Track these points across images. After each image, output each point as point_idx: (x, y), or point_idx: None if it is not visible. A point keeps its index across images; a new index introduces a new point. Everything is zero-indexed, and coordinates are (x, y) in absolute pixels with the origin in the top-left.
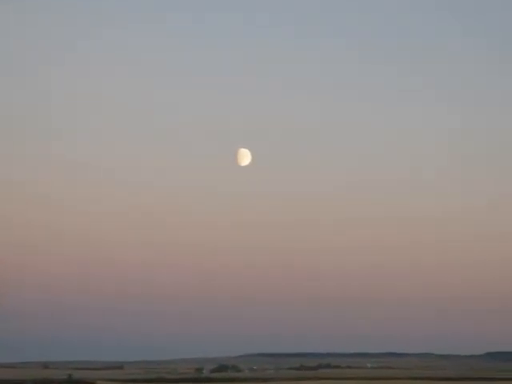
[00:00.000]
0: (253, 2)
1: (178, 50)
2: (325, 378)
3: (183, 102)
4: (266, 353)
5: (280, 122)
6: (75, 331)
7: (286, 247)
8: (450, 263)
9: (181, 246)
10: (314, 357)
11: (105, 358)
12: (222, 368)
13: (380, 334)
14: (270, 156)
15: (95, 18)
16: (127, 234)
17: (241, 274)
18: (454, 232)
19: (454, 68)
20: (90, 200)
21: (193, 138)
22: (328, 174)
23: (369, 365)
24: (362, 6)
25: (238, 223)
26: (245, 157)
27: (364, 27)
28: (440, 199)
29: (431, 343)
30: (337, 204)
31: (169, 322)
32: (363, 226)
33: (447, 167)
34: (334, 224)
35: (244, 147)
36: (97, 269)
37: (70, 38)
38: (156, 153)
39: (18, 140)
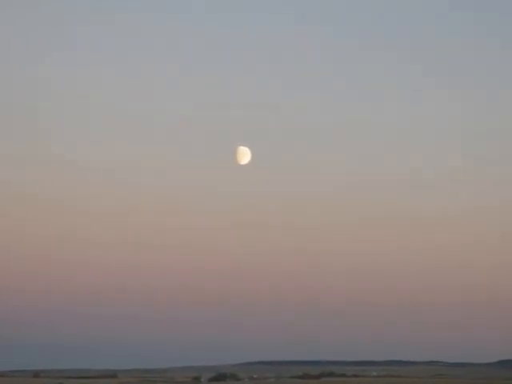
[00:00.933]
0: (253, 1)
1: (178, 48)
2: None
3: (183, 100)
4: (266, 360)
5: (280, 120)
6: (67, 338)
7: (286, 248)
8: (458, 266)
9: (179, 247)
10: (317, 365)
11: (97, 366)
12: (220, 376)
13: (386, 340)
14: (270, 154)
15: (96, 18)
16: (124, 235)
17: (240, 277)
18: (465, 234)
19: (465, 66)
20: (89, 200)
21: (192, 135)
22: (329, 174)
23: (374, 373)
24: (364, 5)
25: (239, 223)
26: (244, 155)
27: (366, 26)
28: (451, 199)
29: (440, 351)
30: (339, 204)
31: (165, 327)
32: (367, 226)
33: (457, 167)
34: (336, 225)
35: (243, 145)
36: (91, 271)
37: (69, 37)
38: (155, 152)
39: (18, 140)
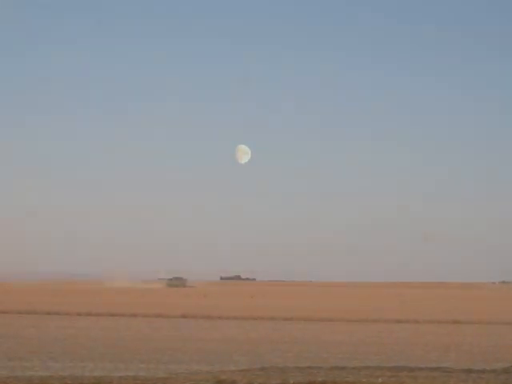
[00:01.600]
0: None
1: (178, 47)
2: None
3: (182, 98)
4: (268, 366)
5: (280, 119)
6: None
7: (287, 249)
8: (461, 269)
9: (178, 247)
10: (322, 370)
11: (92, 371)
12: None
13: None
14: (270, 153)
15: (97, 20)
16: (124, 235)
17: (239, 279)
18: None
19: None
20: (89, 200)
21: (192, 133)
22: (329, 174)
23: (380, 379)
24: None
25: (240, 223)
26: (244, 153)
27: (368, 32)
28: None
29: (448, 356)
30: (340, 205)
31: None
32: (369, 227)
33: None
34: (337, 225)
35: (243, 143)
36: (86, 272)
37: (69, 37)
38: (154, 150)
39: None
